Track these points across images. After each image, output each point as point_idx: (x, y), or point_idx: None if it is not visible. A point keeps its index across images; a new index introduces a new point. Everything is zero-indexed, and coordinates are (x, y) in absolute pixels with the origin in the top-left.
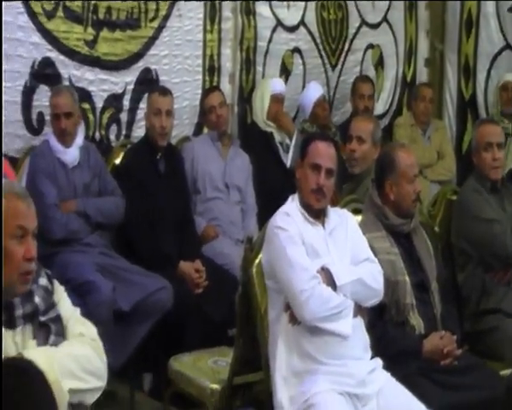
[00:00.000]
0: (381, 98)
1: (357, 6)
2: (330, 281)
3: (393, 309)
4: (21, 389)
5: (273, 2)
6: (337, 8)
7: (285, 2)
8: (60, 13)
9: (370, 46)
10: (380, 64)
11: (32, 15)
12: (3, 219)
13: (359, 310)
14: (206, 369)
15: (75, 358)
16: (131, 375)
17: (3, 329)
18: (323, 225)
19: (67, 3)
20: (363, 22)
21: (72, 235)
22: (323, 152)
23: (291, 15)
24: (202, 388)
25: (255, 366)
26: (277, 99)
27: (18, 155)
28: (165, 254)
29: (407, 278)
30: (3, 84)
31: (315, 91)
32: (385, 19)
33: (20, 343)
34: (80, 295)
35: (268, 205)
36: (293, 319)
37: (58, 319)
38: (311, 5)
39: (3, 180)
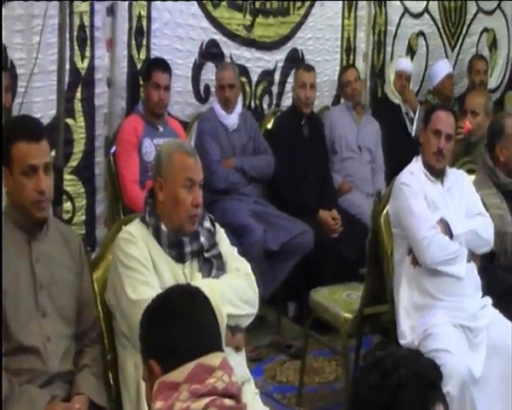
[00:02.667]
0: (494, 74)
1: None
2: (447, 231)
3: (502, 256)
4: (192, 308)
5: None
6: None
7: None
8: (224, 2)
9: (485, 30)
10: (493, 45)
11: (202, 5)
12: (175, 173)
13: (472, 256)
14: (340, 301)
15: (233, 288)
16: (278, 303)
17: (175, 263)
18: (442, 183)
19: None
20: (479, 9)
21: (231, 186)
22: (444, 119)
23: (417, 4)
24: (337, 316)
25: (382, 299)
26: (400, 75)
27: (188, 119)
28: (307, 204)
29: None
30: (178, 61)
31: (445, 67)
32: (499, 6)
33: (188, 275)
34: (237, 236)
35: (395, 165)
36: (415, 262)
37: (219, 256)
38: None
39: (177, 140)
